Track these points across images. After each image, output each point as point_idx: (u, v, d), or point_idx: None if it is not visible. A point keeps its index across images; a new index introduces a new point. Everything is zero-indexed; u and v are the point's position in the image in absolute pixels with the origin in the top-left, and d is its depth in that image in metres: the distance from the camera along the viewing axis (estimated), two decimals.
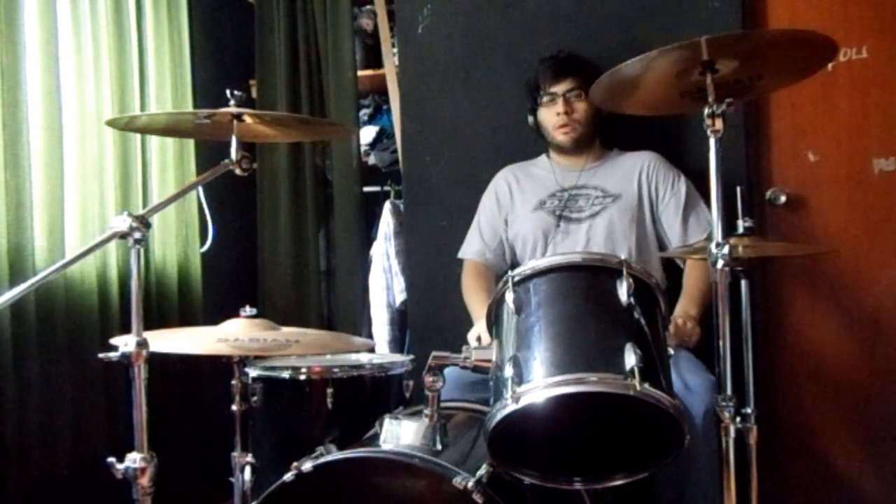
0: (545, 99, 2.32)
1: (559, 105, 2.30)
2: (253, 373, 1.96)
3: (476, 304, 2.32)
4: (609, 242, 2.24)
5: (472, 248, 2.44)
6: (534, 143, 2.46)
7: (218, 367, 1.89)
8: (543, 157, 2.46)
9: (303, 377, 1.94)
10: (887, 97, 2.45)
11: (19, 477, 2.19)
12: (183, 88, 2.95)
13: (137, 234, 1.41)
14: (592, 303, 1.54)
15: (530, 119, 2.40)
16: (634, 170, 2.34)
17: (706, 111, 1.54)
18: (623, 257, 1.55)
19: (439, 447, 1.55)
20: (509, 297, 1.52)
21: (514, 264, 2.33)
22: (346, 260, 3.26)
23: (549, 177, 2.38)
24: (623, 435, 1.53)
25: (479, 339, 2.02)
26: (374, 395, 2.01)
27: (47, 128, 2.33)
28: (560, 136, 2.33)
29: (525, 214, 2.36)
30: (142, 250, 1.43)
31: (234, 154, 1.64)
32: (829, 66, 2.43)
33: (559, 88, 2.30)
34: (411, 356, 2.13)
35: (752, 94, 1.69)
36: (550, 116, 2.33)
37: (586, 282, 1.56)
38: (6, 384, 2.16)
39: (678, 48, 1.51)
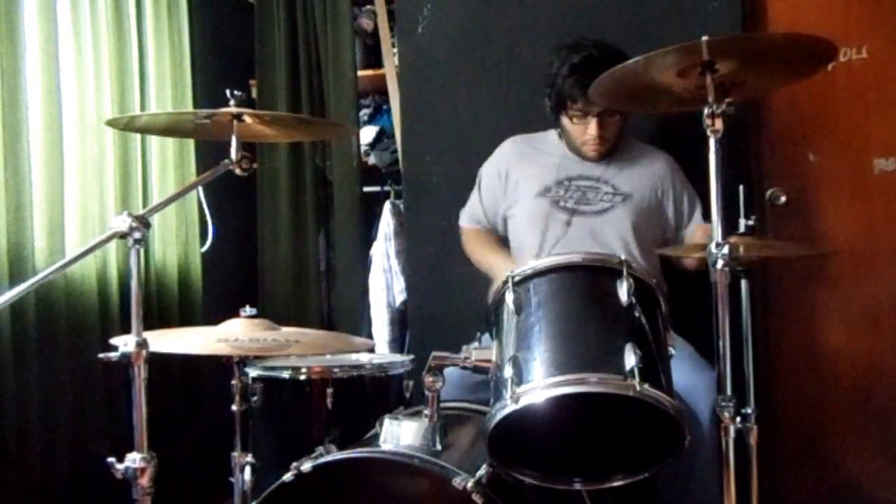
0: (575, 114, 2.17)
1: (593, 128, 2.16)
2: (253, 373, 1.96)
3: (489, 256, 2.31)
4: (614, 242, 2.20)
5: (474, 216, 2.41)
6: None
7: (218, 367, 1.89)
8: (553, 134, 2.34)
9: (303, 377, 1.94)
10: (887, 97, 2.45)
11: (19, 477, 2.19)
12: (183, 88, 2.95)
13: (137, 234, 1.41)
14: (592, 303, 1.54)
15: (548, 103, 2.23)
16: (649, 173, 2.28)
17: (706, 111, 1.54)
18: (623, 257, 1.54)
19: (439, 447, 1.55)
20: (509, 297, 1.52)
21: (506, 242, 2.36)
22: (346, 260, 3.26)
23: (559, 160, 2.28)
24: (623, 435, 1.53)
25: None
26: (374, 395, 2.01)
27: (47, 128, 2.32)
28: (588, 153, 2.23)
29: (527, 198, 2.27)
30: (142, 250, 1.43)
31: (234, 154, 1.64)
32: (829, 66, 2.43)
33: (594, 109, 2.14)
34: (411, 356, 2.13)
35: (752, 93, 1.69)
36: (578, 133, 2.20)
37: (586, 282, 1.56)
38: (6, 384, 2.15)
39: (678, 49, 1.51)
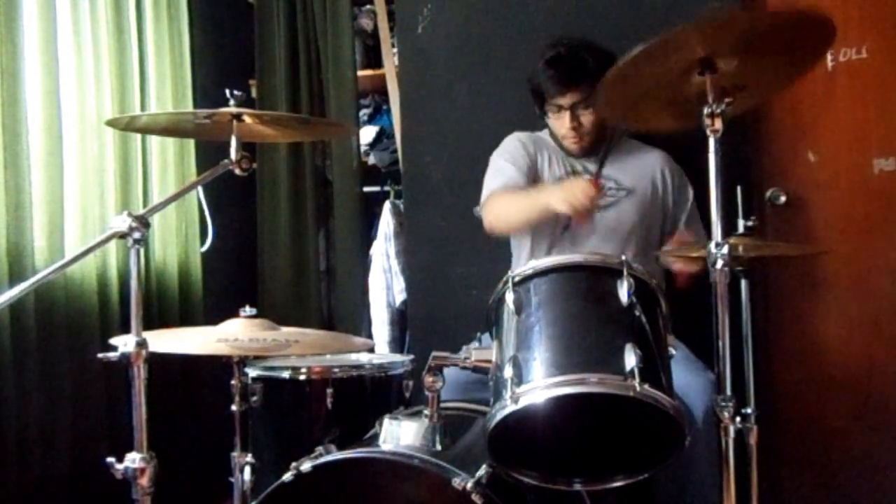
0: (551, 108, 2.23)
1: (566, 119, 2.20)
2: (253, 373, 1.96)
3: (525, 194, 2.12)
4: (619, 236, 2.21)
5: (510, 181, 2.21)
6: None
7: (218, 367, 1.89)
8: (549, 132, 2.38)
9: (303, 377, 1.94)
10: (887, 97, 2.45)
11: (19, 477, 2.19)
12: (183, 88, 2.95)
13: (137, 234, 1.41)
14: (593, 303, 1.53)
15: (537, 109, 2.30)
16: (649, 168, 2.30)
17: (706, 111, 1.53)
18: (624, 257, 1.54)
19: (439, 448, 1.55)
20: (509, 297, 1.52)
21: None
22: (346, 260, 3.26)
23: (560, 157, 2.31)
24: (623, 435, 1.53)
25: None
26: (374, 395, 2.01)
27: (47, 128, 2.33)
28: (570, 145, 2.27)
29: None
30: (141, 250, 1.43)
31: (234, 154, 1.64)
32: (829, 66, 2.44)
33: (565, 101, 2.19)
34: (411, 356, 2.13)
35: (754, 97, 1.68)
36: (558, 126, 2.25)
37: (587, 282, 1.56)
38: (6, 384, 2.16)
39: (667, 39, 1.46)
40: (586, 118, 2.21)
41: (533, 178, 2.26)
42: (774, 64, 1.61)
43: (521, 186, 2.21)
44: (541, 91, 2.23)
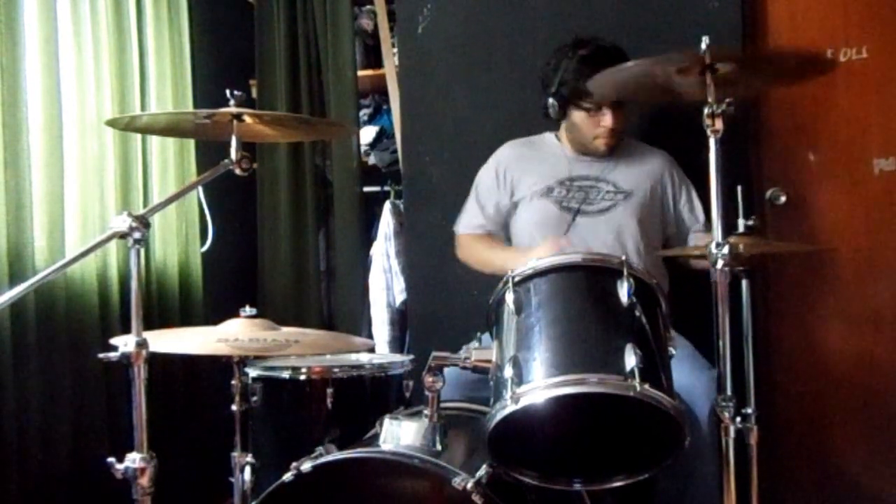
0: (590, 106, 2.17)
1: (608, 119, 2.17)
2: (253, 373, 1.96)
3: (497, 253, 2.25)
4: (618, 240, 2.21)
5: (473, 222, 2.36)
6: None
7: (218, 367, 1.89)
8: (550, 136, 2.37)
9: (303, 377, 1.94)
10: (887, 97, 2.45)
11: (19, 477, 2.19)
12: (183, 88, 2.95)
13: (137, 234, 1.41)
14: (593, 303, 1.54)
15: (550, 103, 2.23)
16: (649, 170, 2.29)
17: (706, 111, 1.54)
18: (623, 257, 1.54)
19: (439, 448, 1.55)
20: (509, 297, 1.52)
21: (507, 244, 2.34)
22: (346, 260, 3.26)
23: (559, 161, 2.30)
24: (624, 436, 1.53)
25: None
26: (374, 395, 2.01)
27: (47, 128, 2.32)
28: (600, 146, 2.23)
29: (530, 199, 2.28)
30: (142, 250, 1.43)
31: (234, 154, 1.64)
32: None
33: (608, 99, 2.14)
34: (411, 356, 2.13)
35: (751, 90, 1.70)
36: (591, 126, 2.20)
37: (587, 282, 1.56)
38: (6, 384, 2.15)
39: (680, 55, 1.50)
40: (624, 116, 2.20)
41: (508, 203, 2.31)
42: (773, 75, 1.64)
43: (486, 228, 2.35)
44: (577, 90, 2.15)
